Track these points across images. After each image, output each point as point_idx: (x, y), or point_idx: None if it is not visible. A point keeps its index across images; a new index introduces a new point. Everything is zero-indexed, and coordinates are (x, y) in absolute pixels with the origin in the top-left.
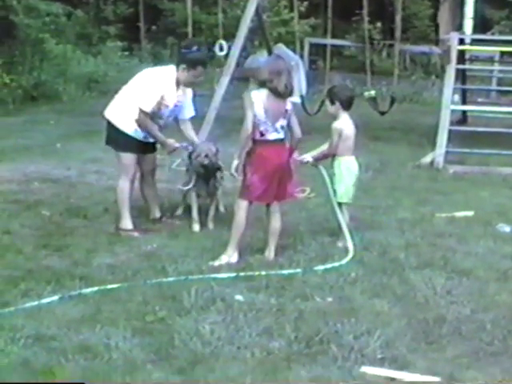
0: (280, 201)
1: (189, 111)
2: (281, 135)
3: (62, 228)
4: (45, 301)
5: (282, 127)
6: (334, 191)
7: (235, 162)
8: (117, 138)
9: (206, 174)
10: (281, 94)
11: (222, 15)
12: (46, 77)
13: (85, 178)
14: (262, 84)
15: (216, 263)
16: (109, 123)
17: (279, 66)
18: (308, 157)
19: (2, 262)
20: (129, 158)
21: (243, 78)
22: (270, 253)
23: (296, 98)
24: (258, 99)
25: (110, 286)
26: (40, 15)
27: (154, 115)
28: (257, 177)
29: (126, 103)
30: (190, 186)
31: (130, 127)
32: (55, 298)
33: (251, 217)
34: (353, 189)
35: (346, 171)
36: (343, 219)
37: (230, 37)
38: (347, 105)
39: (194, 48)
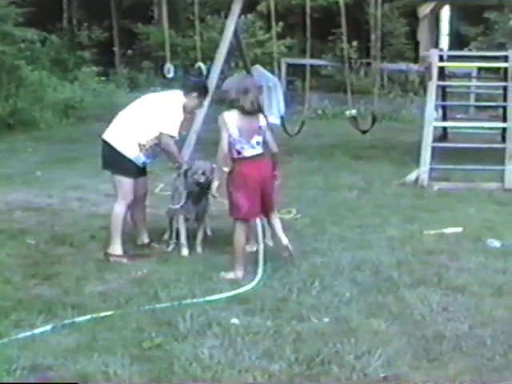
0: (270, 213)
1: None
2: (258, 150)
3: (49, 256)
4: (38, 331)
5: (258, 143)
6: None
7: (215, 184)
8: (117, 163)
9: (200, 193)
10: (248, 112)
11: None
12: (23, 104)
13: (67, 205)
14: (230, 104)
15: (227, 276)
16: (109, 147)
17: (246, 84)
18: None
19: None
20: (129, 183)
21: (221, 100)
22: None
23: (274, 119)
24: (231, 119)
25: (103, 314)
26: (15, 41)
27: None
28: (240, 194)
29: (131, 128)
30: (181, 203)
31: (133, 152)
32: (48, 327)
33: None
34: None
35: None
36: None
37: (206, 59)
38: None
39: (202, 78)
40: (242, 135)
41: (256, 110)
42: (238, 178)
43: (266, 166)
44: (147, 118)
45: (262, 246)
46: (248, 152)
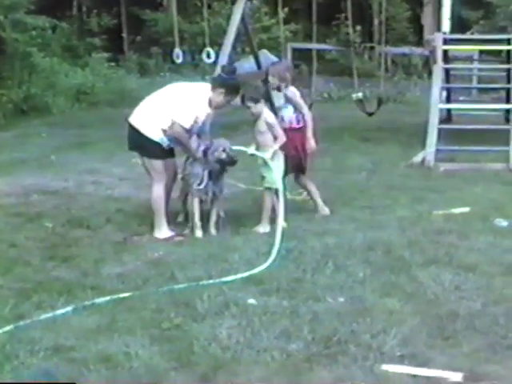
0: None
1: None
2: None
3: (66, 239)
4: (59, 312)
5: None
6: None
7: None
8: (145, 146)
9: (220, 172)
10: None
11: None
12: (36, 90)
13: (83, 188)
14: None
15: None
16: (135, 130)
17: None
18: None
19: (12, 274)
20: (159, 164)
21: None
22: (323, 210)
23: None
24: None
25: (122, 295)
26: (27, 29)
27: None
28: None
29: (156, 113)
30: (204, 183)
31: (156, 134)
32: (69, 308)
33: None
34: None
35: (277, 160)
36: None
37: (212, 44)
38: (267, 99)
39: (234, 75)
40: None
41: None
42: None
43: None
44: (170, 106)
45: (280, 227)
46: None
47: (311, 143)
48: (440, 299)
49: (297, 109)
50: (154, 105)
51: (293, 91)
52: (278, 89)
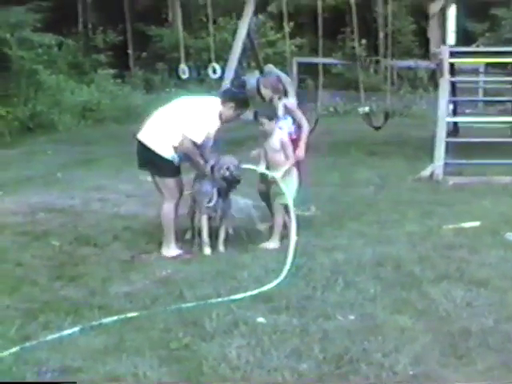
0: None
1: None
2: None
3: (73, 257)
4: (66, 332)
5: None
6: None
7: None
8: (157, 164)
9: (227, 189)
10: None
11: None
12: (42, 107)
13: (89, 206)
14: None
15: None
16: (146, 148)
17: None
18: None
19: (18, 294)
20: (172, 182)
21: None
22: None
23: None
24: None
25: (130, 315)
26: (33, 47)
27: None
28: None
29: (166, 130)
30: (214, 201)
31: (168, 152)
32: (76, 329)
33: None
34: None
35: (289, 177)
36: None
37: (218, 60)
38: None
39: (244, 89)
40: None
41: None
42: None
43: None
44: (181, 122)
45: (293, 243)
46: None
47: (299, 153)
48: (452, 316)
49: (295, 120)
50: (164, 121)
51: (293, 102)
52: (271, 101)
